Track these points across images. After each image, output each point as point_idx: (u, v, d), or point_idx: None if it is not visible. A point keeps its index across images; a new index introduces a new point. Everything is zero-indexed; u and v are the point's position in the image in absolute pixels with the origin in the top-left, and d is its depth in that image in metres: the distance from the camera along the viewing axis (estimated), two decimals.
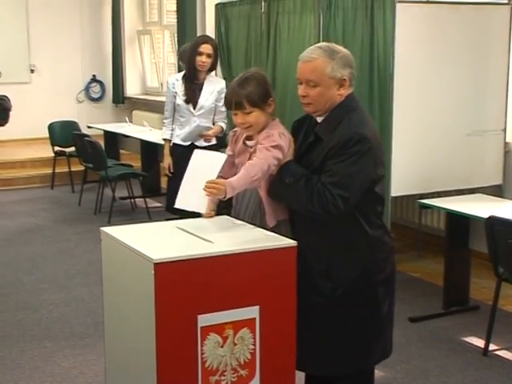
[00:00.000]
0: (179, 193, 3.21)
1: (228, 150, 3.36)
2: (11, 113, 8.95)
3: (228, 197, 3.04)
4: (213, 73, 6.39)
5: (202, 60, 6.08)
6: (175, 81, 6.27)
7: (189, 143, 6.23)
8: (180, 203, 3.18)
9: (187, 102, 6.19)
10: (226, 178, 3.14)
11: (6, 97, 8.90)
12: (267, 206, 3.17)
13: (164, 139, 6.49)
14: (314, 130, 3.09)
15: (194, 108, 6.21)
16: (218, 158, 3.15)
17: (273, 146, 3.07)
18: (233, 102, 3.19)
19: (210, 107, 6.24)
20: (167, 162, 6.40)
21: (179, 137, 6.30)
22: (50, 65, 11.84)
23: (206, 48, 6.08)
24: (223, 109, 6.10)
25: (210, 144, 6.23)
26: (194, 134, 6.23)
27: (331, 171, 2.95)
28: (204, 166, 3.14)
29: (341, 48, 3.11)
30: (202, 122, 6.24)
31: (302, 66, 3.07)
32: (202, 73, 6.19)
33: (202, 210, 3.08)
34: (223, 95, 5.94)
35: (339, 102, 3.06)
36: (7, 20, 11.51)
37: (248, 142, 3.24)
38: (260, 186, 3.14)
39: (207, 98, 6.21)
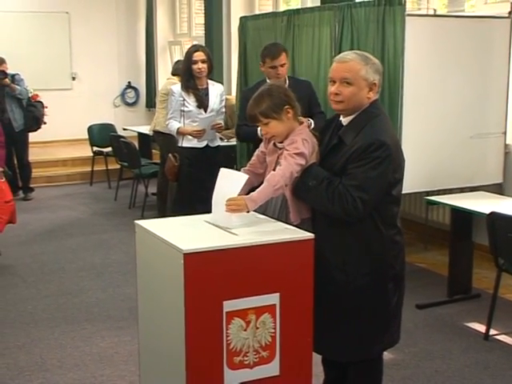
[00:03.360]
0: (212, 209, 3.21)
1: (262, 147, 3.36)
2: (47, 118, 9.04)
3: (251, 210, 3.03)
4: (212, 81, 6.23)
5: (199, 67, 5.92)
6: (181, 89, 6.03)
7: (204, 144, 6.05)
8: (211, 219, 3.17)
9: (199, 106, 5.99)
10: (259, 173, 3.29)
11: (40, 103, 8.95)
12: (292, 205, 3.16)
13: (177, 128, 6.02)
14: (338, 134, 3.07)
15: (205, 111, 6.02)
16: (240, 178, 3.13)
17: (296, 153, 3.06)
18: (249, 117, 3.23)
19: (217, 109, 6.12)
20: (191, 128, 5.98)
21: (194, 140, 6.02)
22: (90, 73, 11.91)
23: (199, 55, 5.93)
24: (223, 110, 6.23)
25: (218, 144, 6.23)
26: (208, 131, 6.02)
27: (352, 174, 2.92)
28: (227, 185, 3.13)
29: (372, 56, 3.09)
30: (213, 121, 6.07)
31: (337, 65, 3.03)
32: (202, 78, 6.03)
33: (229, 225, 3.07)
34: (224, 97, 6.27)
35: (365, 106, 3.03)
36: (52, 33, 11.62)
37: (278, 144, 3.24)
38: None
39: (215, 102, 6.09)
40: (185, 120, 6.02)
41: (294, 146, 3.09)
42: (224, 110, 6.26)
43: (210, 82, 6.15)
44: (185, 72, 6.03)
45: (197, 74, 5.95)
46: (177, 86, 6.11)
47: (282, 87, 3.29)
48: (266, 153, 3.33)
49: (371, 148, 2.90)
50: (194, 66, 5.92)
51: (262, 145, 3.38)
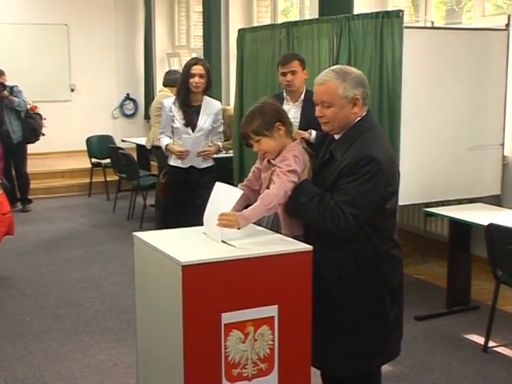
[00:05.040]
0: (204, 221, 3.21)
1: (257, 164, 3.37)
2: (45, 129, 9.06)
3: (242, 227, 3.02)
4: (209, 98, 5.78)
5: (195, 81, 5.47)
6: (172, 104, 5.64)
7: (187, 166, 5.63)
8: (204, 231, 3.18)
9: (186, 125, 5.58)
10: (255, 189, 3.30)
11: (38, 115, 8.97)
12: (284, 222, 3.17)
13: (166, 145, 5.69)
14: (330, 149, 3.07)
15: (193, 131, 5.60)
16: (234, 193, 3.12)
17: (289, 170, 3.07)
18: (242, 135, 3.25)
19: (208, 129, 5.66)
20: (176, 148, 5.59)
21: (178, 159, 5.65)
22: (89, 84, 11.95)
23: (198, 69, 5.50)
24: (220, 129, 5.84)
25: (208, 166, 5.72)
26: (193, 154, 5.58)
27: (343, 190, 2.91)
28: (222, 199, 3.14)
29: (353, 69, 3.06)
30: (200, 142, 5.63)
31: (316, 88, 3.04)
32: (198, 94, 5.59)
33: (218, 238, 3.06)
34: (220, 116, 5.82)
35: (355, 121, 3.02)
36: (51, 45, 11.67)
37: (271, 161, 3.24)
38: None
39: (205, 121, 5.63)
40: (174, 137, 5.70)
41: (286, 164, 3.10)
42: (221, 129, 5.86)
43: (206, 98, 5.72)
44: (181, 85, 5.63)
45: (192, 89, 5.53)
46: (168, 100, 5.77)
47: (273, 104, 3.28)
48: (261, 169, 3.34)
49: (361, 163, 2.88)
50: (191, 80, 5.50)
51: (257, 161, 3.39)
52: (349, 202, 2.89)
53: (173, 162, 5.72)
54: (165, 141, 5.73)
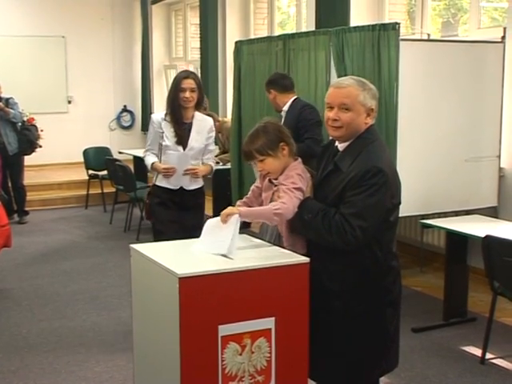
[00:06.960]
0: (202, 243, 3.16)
1: (257, 183, 3.37)
2: (42, 141, 9.06)
3: (243, 215, 3.04)
4: (201, 115, 5.29)
5: (186, 96, 5.01)
6: (161, 120, 5.14)
7: (177, 188, 5.16)
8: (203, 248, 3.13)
9: (178, 142, 5.10)
10: (251, 206, 3.29)
11: (34, 127, 8.97)
12: (286, 240, 3.16)
13: (152, 163, 5.20)
14: (334, 160, 3.06)
15: (184, 149, 5.12)
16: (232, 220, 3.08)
17: (295, 187, 3.07)
18: (244, 154, 3.25)
19: (200, 148, 5.18)
20: (163, 166, 5.12)
21: (166, 180, 5.16)
22: (86, 96, 11.98)
23: (188, 83, 5.03)
24: (211, 147, 5.34)
25: (198, 187, 5.24)
26: (180, 172, 5.13)
27: (350, 202, 2.90)
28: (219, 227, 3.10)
29: (368, 82, 3.09)
30: (187, 160, 5.15)
31: (335, 91, 3.02)
32: (189, 109, 5.11)
33: (222, 250, 3.04)
34: (212, 134, 5.32)
35: (361, 132, 3.02)
36: (48, 57, 11.71)
37: (273, 181, 3.24)
38: (279, 223, 3.13)
39: (197, 139, 5.15)
40: (162, 155, 5.19)
41: (291, 181, 3.10)
42: (212, 148, 5.36)
43: (197, 115, 5.22)
44: (170, 100, 5.14)
45: (183, 104, 5.05)
46: (157, 116, 5.27)
47: (276, 124, 3.29)
48: (261, 188, 3.33)
49: (368, 175, 2.88)
50: (181, 95, 5.03)
51: (257, 180, 3.39)
52: (356, 214, 2.88)
53: (159, 182, 5.23)
54: (150, 159, 5.25)
